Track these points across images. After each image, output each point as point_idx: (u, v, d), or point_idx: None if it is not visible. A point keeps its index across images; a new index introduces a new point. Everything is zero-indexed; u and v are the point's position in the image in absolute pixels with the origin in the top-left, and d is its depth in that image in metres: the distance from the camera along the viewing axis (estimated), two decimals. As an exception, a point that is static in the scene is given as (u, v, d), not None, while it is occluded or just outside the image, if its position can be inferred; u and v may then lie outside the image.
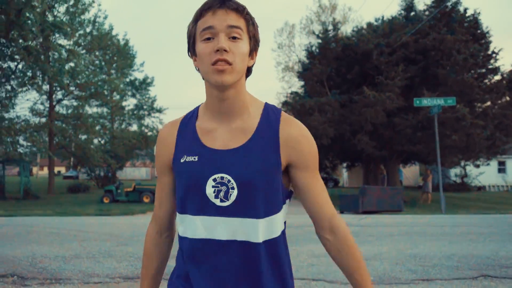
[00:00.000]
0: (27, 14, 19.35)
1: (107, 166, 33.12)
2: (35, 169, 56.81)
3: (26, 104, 25.75)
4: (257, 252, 1.19)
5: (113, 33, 31.07)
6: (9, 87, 23.48)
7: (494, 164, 32.79)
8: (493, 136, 17.52)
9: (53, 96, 28.67)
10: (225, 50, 1.12)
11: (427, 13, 19.49)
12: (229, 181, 1.18)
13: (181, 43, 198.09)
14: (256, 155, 1.18)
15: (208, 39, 1.14)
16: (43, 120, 27.85)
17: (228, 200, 1.18)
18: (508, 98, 19.97)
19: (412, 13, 20.10)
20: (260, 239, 1.19)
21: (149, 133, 36.15)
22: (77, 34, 27.09)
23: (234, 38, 1.14)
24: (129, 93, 37.68)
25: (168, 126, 1.31)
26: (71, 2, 25.97)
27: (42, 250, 6.58)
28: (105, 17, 29.99)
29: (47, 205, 17.79)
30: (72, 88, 26.81)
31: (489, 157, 20.10)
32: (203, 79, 1.23)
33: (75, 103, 30.25)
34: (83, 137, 29.79)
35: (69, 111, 29.88)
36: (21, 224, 10.20)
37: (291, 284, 1.26)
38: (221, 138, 1.22)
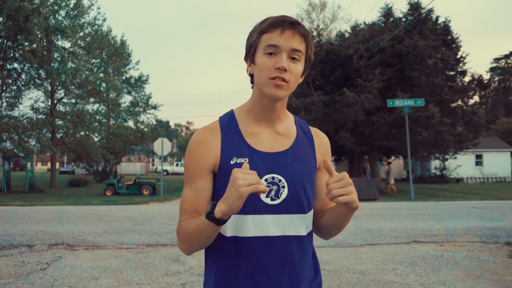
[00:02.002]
0: (34, 20, 20.73)
1: (105, 161, 34.60)
2: (38, 164, 57.80)
3: (28, 102, 26.90)
4: (305, 243, 1.32)
5: (111, 34, 32.35)
6: (15, 87, 24.95)
7: (471, 157, 34.85)
8: (460, 133, 19.42)
9: (54, 95, 30.06)
10: (285, 70, 1.21)
11: (404, 19, 21.28)
12: (280, 180, 1.27)
13: (175, 41, 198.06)
14: (301, 158, 1.33)
15: (271, 53, 1.23)
16: (45, 117, 29.21)
17: (279, 198, 1.27)
18: (478, 98, 21.86)
19: (391, 19, 21.87)
20: (305, 232, 1.32)
21: (145, 129, 37.46)
22: (77, 36, 28.44)
23: (293, 59, 1.24)
24: (125, 90, 38.86)
25: (206, 130, 1.34)
26: (71, 5, 27.31)
27: (78, 228, 8.31)
28: (104, 20, 31.32)
29: (54, 198, 19.34)
30: (72, 87, 28.11)
31: (456, 151, 21.96)
32: (252, 86, 1.34)
33: (73, 101, 31.60)
34: (82, 133, 31.05)
35: (68, 108, 31.21)
36: (49, 211, 11.89)
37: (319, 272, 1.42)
38: (267, 141, 1.32)
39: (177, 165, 53.69)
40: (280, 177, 1.27)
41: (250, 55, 1.30)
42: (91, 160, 32.45)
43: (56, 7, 25.13)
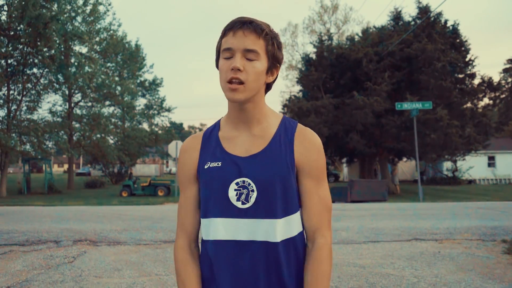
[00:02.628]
0: (53, 27, 21.52)
1: (120, 163, 35.41)
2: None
3: (46, 106, 27.78)
4: (276, 251, 1.27)
5: (126, 38, 33.17)
6: (34, 92, 25.82)
7: (484, 158, 34.90)
8: (468, 135, 19.67)
9: (71, 98, 30.94)
10: (239, 70, 1.22)
11: (412, 23, 21.60)
12: (249, 184, 1.27)
13: (187, 43, 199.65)
14: (273, 159, 1.29)
15: (228, 58, 1.25)
16: (62, 120, 30.05)
17: (248, 202, 1.26)
18: (488, 100, 22.07)
19: (400, 23, 22.19)
20: (278, 239, 1.26)
21: (160, 132, 38.22)
22: (93, 41, 29.28)
23: (249, 59, 1.24)
24: (139, 93, 39.65)
25: (191, 139, 1.41)
26: (87, 11, 28.14)
27: (99, 226, 8.89)
28: (119, 25, 32.09)
29: (73, 199, 20.07)
30: (89, 91, 28.91)
31: (464, 153, 22.19)
32: None
33: (89, 104, 32.47)
34: (98, 135, 31.81)
35: (83, 111, 32.09)
36: (70, 211, 12.54)
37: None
38: (242, 145, 1.32)
39: (190, 166, 54.45)
40: (249, 180, 1.28)
41: (216, 62, 1.33)
42: (107, 162, 33.23)
43: (73, 14, 25.95)
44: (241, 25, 1.23)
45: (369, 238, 7.60)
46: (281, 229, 1.28)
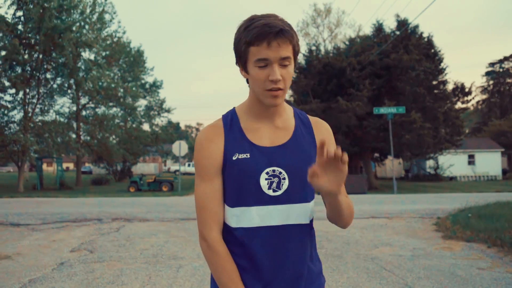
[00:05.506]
0: (67, 37, 23.71)
1: (123, 162, 37.56)
2: (53, 165, 61.03)
3: (55, 108, 29.65)
4: (307, 230, 1.39)
5: (130, 46, 35.38)
6: (46, 95, 27.98)
7: (464, 157, 37.43)
8: (439, 136, 22.14)
9: (79, 101, 33.08)
10: (279, 80, 1.27)
11: (392, 35, 24.02)
12: (280, 173, 1.35)
13: (183, 43, 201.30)
14: (300, 149, 1.39)
15: (262, 66, 1.28)
16: (67, 121, 32.05)
17: (280, 189, 1.35)
18: (460, 104, 24.55)
19: (381, 35, 24.61)
20: (308, 220, 1.39)
21: (159, 132, 40.35)
22: (100, 48, 31.45)
23: (284, 65, 1.29)
24: (141, 95, 41.68)
25: (212, 128, 1.41)
26: (94, 19, 30.26)
27: (127, 209, 11.22)
28: (124, 32, 34.24)
29: (86, 193, 22.30)
30: (97, 95, 31.05)
31: (435, 152, 24.66)
32: (249, 85, 1.39)
33: (92, 105, 34.58)
34: (105, 135, 33.75)
35: (88, 112, 34.17)
36: (94, 201, 14.85)
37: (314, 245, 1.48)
38: (266, 136, 1.39)
39: (188, 165, 56.54)
40: (280, 169, 1.35)
41: (241, 64, 1.35)
42: (111, 160, 35.31)
43: (83, 23, 28.12)
44: (275, 36, 1.24)
45: (337, 216, 9.98)
46: (310, 211, 1.39)
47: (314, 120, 1.50)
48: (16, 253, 6.37)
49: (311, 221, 1.42)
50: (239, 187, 1.35)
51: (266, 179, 1.34)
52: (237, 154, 1.36)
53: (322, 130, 1.47)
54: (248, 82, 1.39)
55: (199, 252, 6.27)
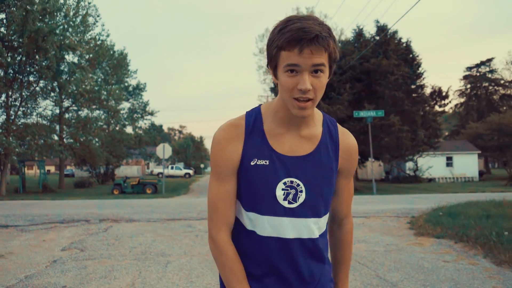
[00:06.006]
0: (51, 40, 23.75)
1: (107, 164, 37.56)
2: (34, 168, 60.43)
3: (38, 110, 29.52)
4: (317, 245, 1.36)
5: (114, 48, 35.47)
6: (28, 97, 27.90)
7: (442, 159, 38.43)
8: (416, 138, 22.87)
9: (62, 103, 32.98)
10: (308, 90, 1.18)
11: (372, 40, 24.69)
12: (298, 185, 1.30)
13: (166, 45, 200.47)
14: (322, 163, 1.33)
15: (292, 71, 1.19)
16: (51, 124, 31.92)
17: (296, 202, 1.30)
18: (438, 107, 25.35)
19: (361, 40, 25.26)
20: (318, 234, 1.36)
21: (143, 134, 40.45)
22: (84, 51, 31.47)
23: (316, 72, 1.19)
24: (124, 97, 41.71)
25: (232, 128, 1.34)
26: (77, 21, 30.25)
27: (114, 211, 11.49)
28: (108, 35, 34.30)
29: (70, 196, 22.37)
30: (81, 98, 31.03)
31: (414, 154, 25.41)
32: (278, 91, 1.31)
33: (75, 108, 34.51)
34: (88, 138, 33.67)
35: (71, 114, 34.10)
36: (80, 203, 15.03)
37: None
38: (289, 144, 1.32)
39: (172, 168, 56.50)
40: (298, 181, 1.31)
41: (272, 68, 1.28)
42: (94, 163, 35.26)
43: (66, 26, 28.15)
44: (308, 42, 1.16)
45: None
46: (321, 226, 1.36)
47: (343, 132, 1.41)
48: (8, 252, 6.62)
49: (321, 235, 1.38)
50: (254, 194, 1.32)
51: (282, 189, 1.30)
52: (256, 160, 1.31)
53: (350, 146, 1.40)
54: (277, 88, 1.33)
55: (185, 249, 6.62)
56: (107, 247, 6.87)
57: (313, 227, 1.33)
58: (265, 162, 1.30)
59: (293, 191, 1.30)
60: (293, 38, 1.17)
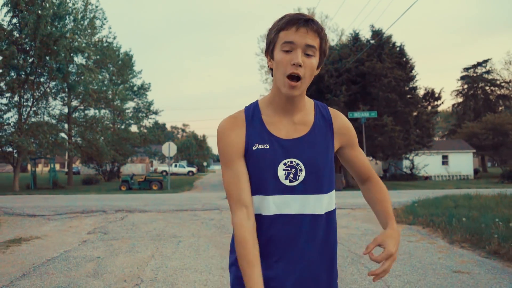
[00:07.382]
0: (62, 43, 24.98)
1: (112, 162, 38.79)
2: (40, 166, 61.71)
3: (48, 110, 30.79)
4: (321, 222, 1.43)
5: (119, 49, 36.67)
6: (39, 98, 29.17)
7: (438, 157, 39.54)
8: (409, 138, 24.05)
9: (70, 103, 34.24)
10: (300, 65, 1.31)
11: (367, 43, 25.86)
12: (297, 164, 1.40)
13: (169, 44, 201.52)
14: (317, 142, 1.44)
15: (287, 51, 1.33)
16: (59, 123, 33.15)
17: (296, 180, 1.40)
18: (430, 108, 26.51)
19: (357, 43, 26.43)
20: (323, 211, 1.43)
21: (147, 133, 41.62)
22: (91, 53, 32.68)
23: (308, 55, 1.33)
24: (128, 97, 42.85)
25: (233, 119, 1.47)
26: (85, 24, 31.43)
27: (127, 203, 12.73)
28: (114, 37, 35.52)
29: (80, 192, 23.58)
30: (88, 98, 32.28)
31: (406, 153, 26.59)
32: (273, 79, 1.44)
33: (81, 107, 35.75)
34: (95, 136, 34.84)
35: (78, 114, 35.35)
36: (94, 197, 16.29)
37: (336, 250, 1.52)
38: (285, 129, 1.44)
39: (175, 166, 57.61)
40: (297, 161, 1.40)
41: (269, 51, 1.41)
42: (101, 161, 36.48)
43: (75, 30, 29.38)
44: (304, 22, 1.31)
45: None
46: (325, 203, 1.44)
47: (334, 113, 1.52)
48: (43, 235, 7.86)
49: (328, 213, 1.45)
50: (258, 176, 1.41)
51: (283, 169, 1.39)
52: (257, 145, 1.41)
53: (343, 122, 1.51)
54: (272, 75, 1.44)
55: (193, 232, 7.86)
56: (126, 231, 8.10)
57: (315, 204, 1.41)
58: (266, 146, 1.41)
59: (293, 171, 1.40)
60: (291, 19, 1.34)
